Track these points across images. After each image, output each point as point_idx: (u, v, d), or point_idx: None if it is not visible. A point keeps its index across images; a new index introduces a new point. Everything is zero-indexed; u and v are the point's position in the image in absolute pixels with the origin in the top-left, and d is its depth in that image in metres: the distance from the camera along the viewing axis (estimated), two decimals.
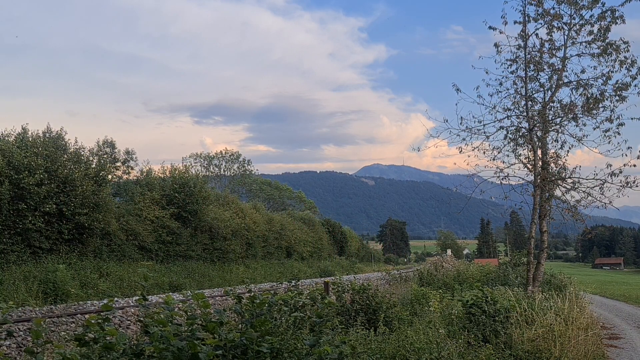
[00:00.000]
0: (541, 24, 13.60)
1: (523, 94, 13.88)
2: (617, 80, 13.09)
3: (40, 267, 18.39)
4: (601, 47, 13.09)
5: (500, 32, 13.53)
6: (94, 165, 23.74)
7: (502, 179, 14.11)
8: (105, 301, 5.40)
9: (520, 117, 14.07)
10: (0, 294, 15.41)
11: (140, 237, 25.63)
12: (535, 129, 13.82)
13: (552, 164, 13.81)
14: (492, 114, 14.10)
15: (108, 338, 3.99)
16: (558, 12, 13.39)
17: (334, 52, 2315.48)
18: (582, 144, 13.56)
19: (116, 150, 28.18)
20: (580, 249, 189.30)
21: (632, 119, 13.05)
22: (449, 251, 68.35)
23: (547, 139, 13.89)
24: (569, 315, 10.17)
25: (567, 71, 13.71)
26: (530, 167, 13.80)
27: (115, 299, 16.82)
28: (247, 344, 4.34)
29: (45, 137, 22.51)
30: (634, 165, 12.42)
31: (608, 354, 10.50)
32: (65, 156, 22.31)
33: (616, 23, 12.94)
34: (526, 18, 13.65)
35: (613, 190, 12.89)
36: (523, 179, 14.20)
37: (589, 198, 13.32)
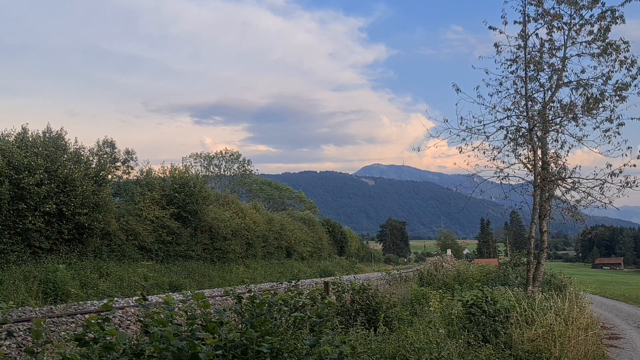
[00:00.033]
0: (541, 24, 13.62)
1: (523, 94, 13.88)
2: (617, 80, 13.10)
3: (40, 267, 18.40)
4: (601, 47, 13.09)
5: (500, 32, 13.55)
6: (94, 165, 23.75)
7: (502, 179, 14.11)
8: (105, 301, 5.40)
9: (520, 117, 14.07)
10: (0, 294, 15.41)
11: (140, 237, 25.63)
12: (535, 129, 13.82)
13: (552, 164, 13.81)
14: (492, 114, 14.12)
15: (108, 338, 4.00)
16: (558, 12, 13.40)
17: (334, 52, 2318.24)
18: (582, 144, 13.57)
19: (116, 150, 28.24)
20: (580, 249, 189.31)
21: (632, 119, 13.06)
22: (449, 251, 68.37)
23: (547, 139, 13.90)
24: (569, 315, 10.17)
25: (567, 71, 13.72)
26: (530, 167, 13.80)
27: (115, 299, 16.82)
28: (247, 344, 4.34)
29: (45, 137, 22.52)
30: (634, 165, 12.42)
31: (608, 354, 10.50)
32: (65, 156, 22.31)
33: (616, 23, 12.94)
34: (526, 18, 13.65)
35: (613, 190, 12.91)
36: (523, 179, 14.22)
37: (589, 198, 13.33)
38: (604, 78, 13.12)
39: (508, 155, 14.12)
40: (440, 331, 8.48)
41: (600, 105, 13.12)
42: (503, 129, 14.07)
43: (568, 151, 13.90)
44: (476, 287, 10.42)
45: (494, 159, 14.06)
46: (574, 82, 13.61)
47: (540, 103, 13.99)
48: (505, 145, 14.09)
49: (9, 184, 18.77)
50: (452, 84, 13.66)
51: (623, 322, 16.56)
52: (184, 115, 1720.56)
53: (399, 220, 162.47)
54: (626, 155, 12.56)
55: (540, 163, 13.62)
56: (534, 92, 14.02)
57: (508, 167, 14.07)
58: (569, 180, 13.63)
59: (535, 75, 13.85)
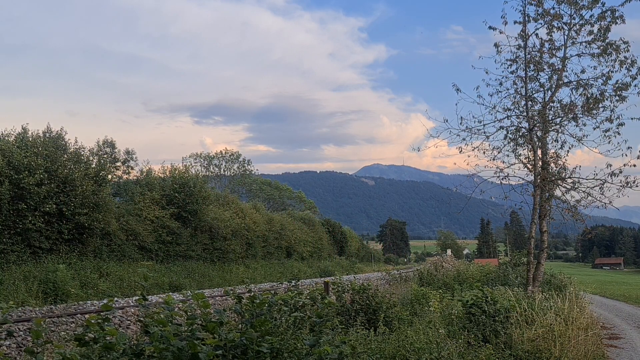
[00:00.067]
0: (541, 24, 13.62)
1: (523, 94, 13.89)
2: (617, 80, 13.10)
3: (40, 267, 18.40)
4: (601, 47, 13.09)
5: (500, 32, 13.55)
6: (94, 165, 23.75)
7: (502, 179, 14.12)
8: (105, 301, 5.40)
9: (520, 117, 14.07)
10: (0, 294, 15.41)
11: (140, 237, 25.64)
12: (535, 129, 13.82)
13: (552, 164, 13.82)
14: (492, 114, 14.12)
15: (108, 338, 4.00)
16: (558, 12, 13.40)
17: (334, 52, 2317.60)
18: (582, 144, 13.58)
19: (116, 150, 28.26)
20: (580, 249, 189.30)
21: (632, 119, 13.06)
22: (449, 251, 68.34)
23: (547, 139, 13.90)
24: (569, 315, 10.17)
25: (567, 71, 13.72)
26: (530, 167, 13.80)
27: (115, 299, 16.82)
28: (247, 344, 4.34)
29: (45, 137, 22.53)
30: (634, 165, 12.42)
31: (608, 354, 10.50)
32: (65, 156, 22.32)
33: (616, 23, 12.94)
34: (526, 18, 13.65)
35: (613, 190, 12.91)
36: (523, 179, 14.22)
37: (589, 198, 13.33)
38: (604, 78, 13.13)
39: (508, 155, 14.14)
40: (440, 331, 8.48)
41: (600, 105, 13.12)
42: (503, 129, 14.09)
43: (568, 151, 13.93)
44: (476, 287, 10.42)
45: (494, 159, 14.08)
46: (574, 82, 13.62)
47: (540, 103, 14.00)
48: (505, 145, 14.11)
49: (9, 184, 18.78)
50: (452, 84, 13.68)
51: (623, 322, 16.56)
52: (184, 115, 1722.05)
53: (399, 220, 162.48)
54: (626, 155, 12.58)
55: (540, 163, 13.62)
56: (534, 92, 14.03)
57: (508, 167, 14.09)
58: (569, 180, 13.63)
59: (535, 75, 13.85)
